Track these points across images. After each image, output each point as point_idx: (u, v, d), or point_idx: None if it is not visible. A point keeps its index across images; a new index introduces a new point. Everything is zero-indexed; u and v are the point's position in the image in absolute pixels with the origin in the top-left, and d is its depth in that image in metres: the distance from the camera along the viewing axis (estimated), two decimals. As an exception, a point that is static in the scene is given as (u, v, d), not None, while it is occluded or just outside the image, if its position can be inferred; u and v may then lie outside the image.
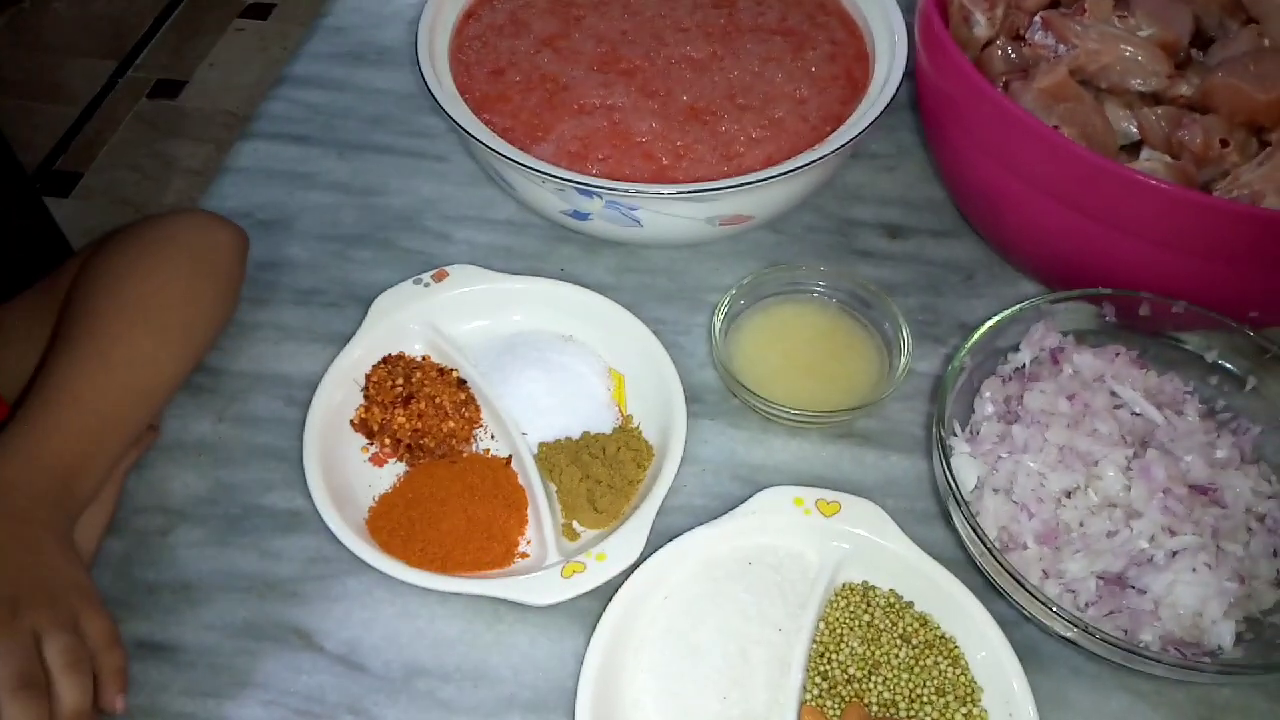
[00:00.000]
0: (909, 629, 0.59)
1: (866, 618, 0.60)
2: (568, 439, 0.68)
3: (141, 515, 0.66)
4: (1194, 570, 0.56)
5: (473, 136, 0.69)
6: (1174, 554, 0.57)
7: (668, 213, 0.70)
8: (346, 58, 0.94)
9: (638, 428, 0.69)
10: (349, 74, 0.93)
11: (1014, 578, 0.54)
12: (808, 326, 0.73)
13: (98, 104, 2.32)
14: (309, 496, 0.62)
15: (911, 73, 0.75)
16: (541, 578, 0.59)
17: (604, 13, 0.81)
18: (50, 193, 2.10)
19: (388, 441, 0.67)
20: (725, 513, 0.62)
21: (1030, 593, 0.54)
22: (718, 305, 0.70)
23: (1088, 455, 0.60)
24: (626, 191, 0.67)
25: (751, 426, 0.70)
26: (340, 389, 0.68)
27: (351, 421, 0.68)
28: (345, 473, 0.66)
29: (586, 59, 0.77)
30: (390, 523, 0.63)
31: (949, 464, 0.58)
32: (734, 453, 0.69)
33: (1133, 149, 0.71)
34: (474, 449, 0.68)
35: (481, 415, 0.69)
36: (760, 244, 0.80)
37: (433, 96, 0.72)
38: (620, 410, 0.70)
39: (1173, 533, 0.58)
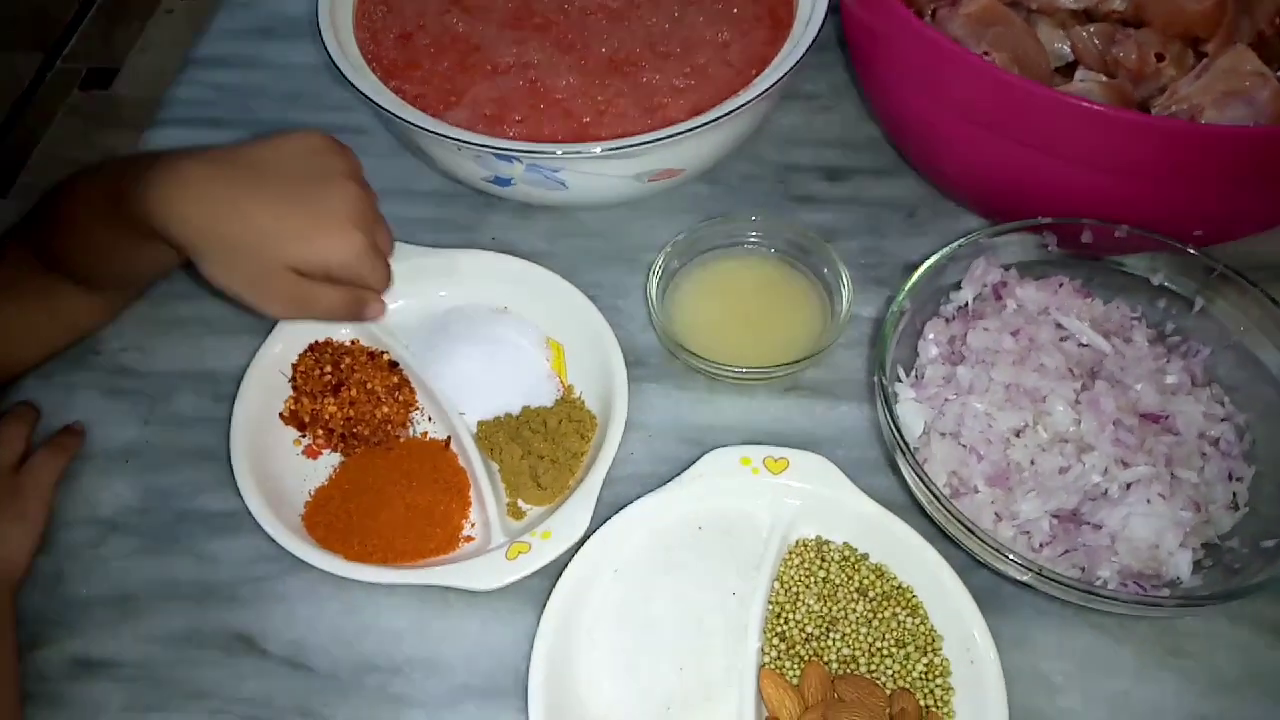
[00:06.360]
0: (866, 581, 0.58)
1: (822, 573, 0.58)
2: (508, 415, 0.65)
3: (71, 529, 0.63)
4: (1148, 501, 0.55)
5: (381, 107, 0.66)
6: (1128, 486, 0.56)
7: (593, 172, 0.67)
8: (255, 33, 0.90)
9: (580, 398, 0.67)
10: (258, 50, 0.89)
11: (964, 524, 0.53)
12: (747, 280, 0.70)
13: (29, 99, 2.25)
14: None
15: (837, 7, 0.72)
16: (486, 561, 0.58)
17: (514, -35, 0.77)
18: (-13, 194, 2.05)
19: (320, 432, 0.65)
20: (674, 478, 0.60)
21: (981, 539, 0.52)
22: (652, 266, 0.68)
23: (1035, 391, 0.58)
24: (546, 153, 0.64)
25: (697, 387, 0.68)
26: (267, 381, 0.65)
27: (281, 414, 0.65)
28: (278, 468, 0.63)
29: (498, 16, 0.74)
30: (327, 517, 0.61)
31: (892, 412, 0.56)
32: (680, 415, 0.67)
33: (1067, 70, 0.68)
34: (411, 433, 0.66)
35: (416, 398, 0.66)
36: (697, 197, 0.77)
37: (336, 67, 0.68)
38: (561, 381, 0.68)
39: (1125, 464, 0.56)
